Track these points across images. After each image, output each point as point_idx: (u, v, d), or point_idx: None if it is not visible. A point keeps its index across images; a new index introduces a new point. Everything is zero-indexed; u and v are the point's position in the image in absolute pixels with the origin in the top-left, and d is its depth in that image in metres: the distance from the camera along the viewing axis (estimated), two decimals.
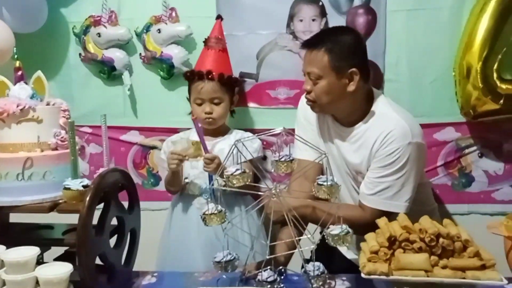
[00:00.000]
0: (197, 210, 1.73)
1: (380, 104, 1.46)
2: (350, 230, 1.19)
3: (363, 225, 1.31)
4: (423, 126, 1.52)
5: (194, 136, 1.72)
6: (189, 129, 1.88)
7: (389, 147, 1.38)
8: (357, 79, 1.39)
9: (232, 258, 1.26)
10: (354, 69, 1.38)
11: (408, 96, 1.88)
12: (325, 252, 1.34)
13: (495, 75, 1.71)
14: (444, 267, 1.14)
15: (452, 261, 1.14)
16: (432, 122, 1.88)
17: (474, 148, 1.90)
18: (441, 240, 1.15)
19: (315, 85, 1.40)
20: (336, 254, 1.59)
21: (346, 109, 1.45)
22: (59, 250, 1.30)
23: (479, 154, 1.91)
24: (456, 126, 1.89)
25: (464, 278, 1.11)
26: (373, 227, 1.23)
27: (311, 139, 1.49)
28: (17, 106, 1.15)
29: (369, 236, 1.25)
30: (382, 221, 1.27)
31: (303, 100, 1.55)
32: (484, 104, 1.72)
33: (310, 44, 1.42)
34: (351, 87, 1.40)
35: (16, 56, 1.28)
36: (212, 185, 1.64)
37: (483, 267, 1.12)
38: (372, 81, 1.86)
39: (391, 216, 1.30)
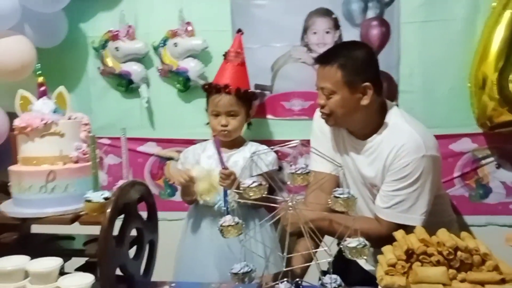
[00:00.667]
0: (211, 221, 1.75)
1: (393, 116, 1.48)
2: (367, 243, 1.20)
3: (379, 238, 1.32)
4: (438, 137, 1.53)
5: (211, 149, 1.76)
6: (205, 140, 1.91)
7: (403, 160, 1.39)
8: (370, 93, 1.41)
9: (249, 270, 1.27)
10: (367, 84, 1.41)
11: (422, 107, 1.88)
12: (343, 263, 1.34)
13: (510, 86, 1.70)
14: (462, 281, 1.13)
15: (470, 274, 1.13)
16: (448, 133, 1.87)
17: (491, 159, 1.89)
18: (459, 253, 1.14)
19: (329, 99, 1.43)
20: (353, 266, 1.59)
21: (360, 122, 1.47)
22: (79, 260, 1.33)
23: (496, 165, 1.89)
24: (472, 137, 1.88)
25: None
26: (389, 240, 1.24)
27: (327, 152, 1.51)
28: (41, 121, 1.19)
29: (386, 248, 1.25)
30: (399, 234, 1.27)
31: (318, 113, 1.57)
32: (500, 115, 1.72)
33: (323, 60, 1.45)
34: (365, 101, 1.42)
35: (39, 72, 1.31)
36: (227, 200, 1.66)
37: (502, 281, 1.12)
38: (386, 93, 1.88)
39: (407, 229, 1.30)
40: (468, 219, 1.93)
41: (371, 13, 1.91)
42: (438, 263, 1.15)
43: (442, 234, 1.21)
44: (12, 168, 1.22)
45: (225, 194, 1.68)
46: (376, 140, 1.46)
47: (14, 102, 1.37)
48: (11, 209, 1.21)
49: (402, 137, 1.41)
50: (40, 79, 1.30)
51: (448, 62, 1.85)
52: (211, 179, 1.69)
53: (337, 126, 1.52)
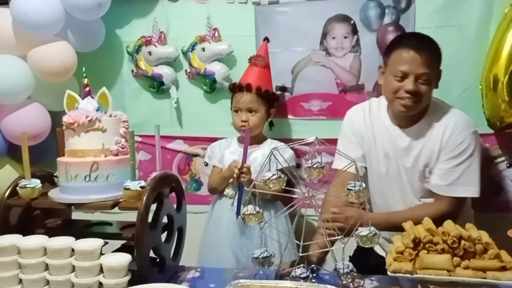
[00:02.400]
0: (229, 211, 1.87)
1: (433, 99, 1.57)
2: (378, 232, 1.28)
3: (444, 217, 1.39)
4: None
5: (235, 145, 1.89)
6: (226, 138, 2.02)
7: (458, 137, 1.49)
8: (439, 79, 1.51)
9: (269, 255, 1.36)
10: (440, 69, 1.51)
11: None
12: (364, 251, 1.44)
13: None
14: (465, 268, 1.19)
15: (473, 262, 1.19)
16: None
17: (503, 158, 1.95)
18: (462, 242, 1.21)
19: (422, 85, 1.47)
20: (373, 254, 1.68)
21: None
22: (115, 245, 1.44)
23: (508, 164, 1.95)
24: (484, 137, 1.93)
25: (484, 278, 1.16)
26: (454, 216, 1.37)
27: (355, 150, 1.61)
28: (86, 118, 1.29)
29: (396, 238, 1.34)
30: (407, 224, 1.35)
31: (350, 114, 1.67)
32: (511, 116, 1.77)
33: (423, 47, 1.48)
34: (437, 85, 1.52)
35: (84, 74, 1.44)
36: (241, 194, 1.77)
37: (503, 269, 1.18)
38: None
39: (465, 202, 1.47)
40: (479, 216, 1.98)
41: (387, 19, 1.99)
42: (443, 251, 1.22)
43: (448, 225, 1.29)
44: (61, 159, 1.33)
45: (241, 188, 1.79)
46: (425, 123, 1.54)
47: (55, 101, 1.47)
48: (59, 195, 1.31)
49: (452, 116, 1.52)
50: (86, 80, 1.41)
51: (461, 65, 1.91)
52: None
53: (415, 111, 1.53)
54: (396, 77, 1.49)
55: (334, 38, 2.05)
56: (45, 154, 1.90)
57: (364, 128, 1.64)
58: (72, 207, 1.34)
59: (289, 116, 2.14)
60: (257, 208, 1.34)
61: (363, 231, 1.28)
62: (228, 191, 1.88)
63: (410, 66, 1.47)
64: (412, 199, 1.59)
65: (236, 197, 1.83)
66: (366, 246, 1.28)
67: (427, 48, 1.47)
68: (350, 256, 1.73)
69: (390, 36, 1.97)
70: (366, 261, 1.55)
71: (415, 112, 1.53)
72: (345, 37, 2.04)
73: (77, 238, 1.24)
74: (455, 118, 1.51)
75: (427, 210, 1.48)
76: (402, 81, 1.48)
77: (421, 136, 1.54)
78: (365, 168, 1.67)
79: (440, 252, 1.23)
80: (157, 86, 2.20)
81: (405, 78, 1.47)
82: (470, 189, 1.52)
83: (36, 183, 1.34)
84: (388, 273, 1.23)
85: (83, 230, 1.46)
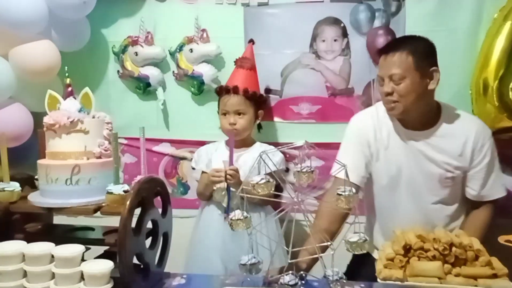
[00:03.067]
0: (218, 216, 1.84)
1: (442, 103, 1.57)
2: (367, 238, 1.26)
3: (493, 219, 1.49)
4: None
5: (223, 149, 1.86)
6: (215, 141, 1.99)
7: (487, 143, 1.52)
8: (437, 77, 1.48)
9: (257, 261, 1.34)
10: (434, 67, 1.48)
11: None
12: (362, 258, 1.43)
13: (510, 93, 1.76)
14: (457, 275, 1.20)
15: (464, 269, 1.20)
16: None
17: None
18: (454, 249, 1.21)
19: (397, 85, 1.46)
20: (371, 261, 1.64)
21: (424, 108, 1.52)
22: (98, 251, 1.41)
23: None
24: None
25: (476, 286, 1.17)
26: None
27: (360, 160, 1.58)
28: (68, 119, 1.25)
29: (386, 244, 1.32)
30: (398, 231, 1.34)
31: (356, 121, 1.64)
32: (500, 121, 1.78)
33: (391, 48, 1.49)
34: (432, 85, 1.48)
35: (67, 74, 1.40)
36: (230, 197, 1.74)
37: (494, 276, 1.18)
38: None
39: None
40: None
41: (377, 23, 1.99)
42: (434, 258, 1.22)
43: (438, 231, 1.28)
44: (41, 161, 1.29)
45: (229, 191, 1.76)
46: (440, 127, 1.53)
47: (38, 102, 1.44)
48: (39, 199, 1.27)
49: (476, 122, 1.55)
50: (68, 80, 1.37)
51: (451, 70, 1.89)
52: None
53: (402, 114, 1.52)
54: (380, 83, 1.53)
55: (324, 41, 2.04)
56: (27, 156, 1.85)
57: (372, 135, 1.60)
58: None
59: (278, 119, 2.12)
60: (245, 213, 1.32)
61: (353, 237, 1.26)
62: (216, 195, 1.85)
63: (383, 69, 1.50)
64: (425, 204, 1.56)
65: (225, 200, 1.79)
66: (356, 253, 1.27)
67: (400, 48, 1.46)
68: (348, 264, 1.71)
69: (380, 40, 1.97)
70: (365, 268, 1.54)
71: (401, 113, 1.51)
72: (335, 40, 2.03)
73: (58, 243, 1.21)
74: (479, 125, 1.54)
75: (480, 221, 1.55)
76: (383, 85, 1.50)
77: (437, 140, 1.53)
78: (368, 176, 1.63)
79: (431, 259, 1.22)
80: (144, 87, 2.17)
81: (384, 81, 1.50)
82: (501, 188, 1.58)
83: (15, 186, 1.29)
84: (378, 280, 1.21)
85: (64, 235, 1.43)
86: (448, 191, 1.55)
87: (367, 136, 1.60)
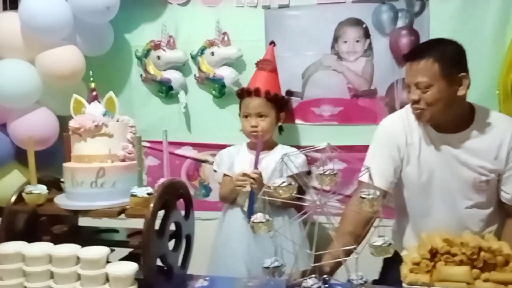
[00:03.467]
0: (242, 219, 1.84)
1: (476, 105, 1.53)
2: (392, 242, 1.24)
3: None
4: None
5: (245, 152, 1.87)
6: (237, 144, 1.99)
7: None
8: (467, 83, 1.44)
9: (279, 264, 1.33)
10: (463, 74, 1.43)
11: None
12: (394, 261, 1.39)
13: None
14: (486, 280, 1.17)
15: (494, 274, 1.16)
16: None
17: None
18: (482, 253, 1.18)
19: (424, 93, 1.42)
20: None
21: (455, 113, 1.47)
22: (122, 252, 1.42)
23: None
24: None
25: None
26: None
27: (389, 166, 1.54)
28: (92, 122, 1.27)
29: (411, 248, 1.30)
30: (424, 234, 1.31)
31: (385, 125, 1.59)
32: None
33: (416, 56, 1.44)
34: (461, 92, 1.43)
35: (91, 78, 1.42)
36: (253, 201, 1.74)
37: None
38: None
39: None
40: None
41: (400, 23, 1.96)
42: (461, 263, 1.18)
43: (466, 235, 1.25)
44: (66, 165, 1.31)
45: (252, 195, 1.76)
46: (474, 130, 1.49)
47: (63, 106, 1.46)
48: (64, 202, 1.29)
49: (507, 125, 1.49)
50: (92, 85, 1.39)
51: (477, 70, 1.84)
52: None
53: (431, 121, 1.49)
54: (407, 90, 1.49)
55: (345, 42, 2.02)
56: (53, 159, 1.89)
57: (403, 139, 1.55)
58: None
59: (300, 122, 2.11)
60: (267, 216, 1.31)
61: (377, 241, 1.24)
62: (240, 200, 1.85)
63: (408, 76, 1.46)
64: (458, 208, 1.51)
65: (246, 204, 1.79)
66: (381, 257, 1.25)
67: (426, 55, 1.42)
68: (380, 269, 1.69)
69: (404, 40, 1.94)
70: (397, 272, 1.50)
71: (428, 120, 1.48)
72: (357, 41, 2.01)
73: (84, 245, 1.22)
74: (510, 127, 1.48)
75: None
76: (410, 92, 1.47)
77: (470, 143, 1.48)
78: (397, 181, 1.59)
79: (458, 264, 1.19)
80: (166, 91, 2.19)
81: (410, 88, 1.46)
82: None
83: (42, 189, 1.32)
84: (404, 285, 1.19)
85: (89, 237, 1.44)
86: (483, 195, 1.50)
87: (397, 140, 1.55)
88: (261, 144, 1.73)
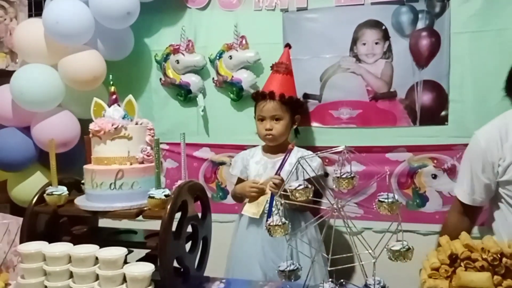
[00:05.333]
0: (258, 223, 1.83)
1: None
2: (411, 246, 1.22)
3: None
4: None
5: (259, 155, 1.89)
6: (255, 146, 2.00)
7: None
8: None
9: (295, 268, 1.32)
10: None
11: (474, 117, 1.87)
12: None
13: None
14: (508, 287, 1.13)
15: None
16: None
17: None
18: (504, 260, 1.14)
19: None
20: None
21: None
22: (140, 253, 1.44)
23: None
24: None
25: None
26: None
27: (479, 181, 1.51)
28: (112, 125, 1.30)
29: (431, 253, 1.27)
30: (443, 239, 1.28)
31: (480, 138, 1.51)
32: None
33: None
34: None
35: (111, 82, 1.45)
36: (272, 205, 1.73)
37: None
38: (435, 101, 1.88)
39: None
40: None
41: (420, 24, 1.93)
42: (482, 269, 1.15)
43: (487, 240, 1.21)
44: (87, 167, 1.34)
45: (272, 198, 1.76)
46: None
47: (84, 109, 1.49)
48: (84, 203, 1.32)
49: None
50: (113, 88, 1.42)
51: (500, 72, 1.80)
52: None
53: None
54: None
55: (364, 44, 2.00)
56: (74, 161, 1.92)
57: (501, 153, 1.47)
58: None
59: (318, 124, 2.09)
60: (283, 219, 1.31)
61: (396, 245, 1.22)
62: (248, 209, 1.85)
63: None
64: None
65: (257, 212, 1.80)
66: (399, 262, 1.22)
67: None
68: None
69: (424, 42, 1.91)
70: None
71: None
72: (376, 43, 1.99)
73: (103, 246, 1.24)
74: None
75: None
76: None
77: None
78: (491, 195, 1.55)
79: (479, 270, 1.15)
80: (185, 94, 2.21)
81: None
82: None
83: (63, 190, 1.35)
84: None
85: (108, 238, 1.46)
86: None
87: (491, 157, 1.48)
88: (288, 152, 1.72)
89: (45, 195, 1.33)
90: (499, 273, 1.14)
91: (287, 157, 1.71)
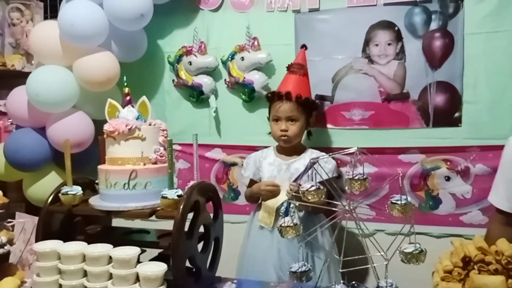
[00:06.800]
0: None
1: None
2: (424, 249, 1.21)
3: None
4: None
5: (272, 156, 1.89)
6: (266, 147, 2.00)
7: None
8: None
9: (307, 269, 1.32)
10: None
11: (488, 118, 1.85)
12: None
13: None
14: None
15: None
16: None
17: None
18: None
19: None
20: None
21: None
22: (153, 253, 1.45)
23: None
24: None
25: None
26: None
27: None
28: (126, 126, 1.31)
29: (444, 256, 1.26)
30: (457, 242, 1.28)
31: (510, 144, 1.48)
32: None
33: None
34: None
35: (125, 83, 1.46)
36: (289, 210, 1.72)
37: None
38: (449, 103, 1.87)
39: None
40: None
41: (434, 25, 1.91)
42: (496, 272, 1.14)
43: (501, 243, 1.20)
44: (101, 167, 1.36)
45: (289, 205, 1.74)
46: None
47: (99, 110, 1.51)
48: (99, 203, 1.34)
49: None
50: (127, 89, 1.44)
51: None
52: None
53: None
54: None
55: (377, 45, 1.99)
56: (88, 161, 1.95)
57: None
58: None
59: (329, 126, 2.09)
60: (295, 220, 1.31)
61: (408, 247, 1.21)
62: (263, 218, 1.85)
63: None
64: None
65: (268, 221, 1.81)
66: (412, 264, 1.22)
67: None
68: None
69: (437, 43, 1.89)
70: None
71: None
72: (389, 44, 1.98)
73: (116, 245, 1.26)
74: None
75: None
76: None
77: None
78: None
79: (493, 273, 1.15)
80: (197, 96, 2.22)
81: None
82: None
83: (77, 190, 1.37)
84: None
85: (122, 237, 1.48)
86: None
87: None
88: (312, 164, 1.72)
89: (60, 194, 1.36)
90: None
91: (309, 169, 1.71)
